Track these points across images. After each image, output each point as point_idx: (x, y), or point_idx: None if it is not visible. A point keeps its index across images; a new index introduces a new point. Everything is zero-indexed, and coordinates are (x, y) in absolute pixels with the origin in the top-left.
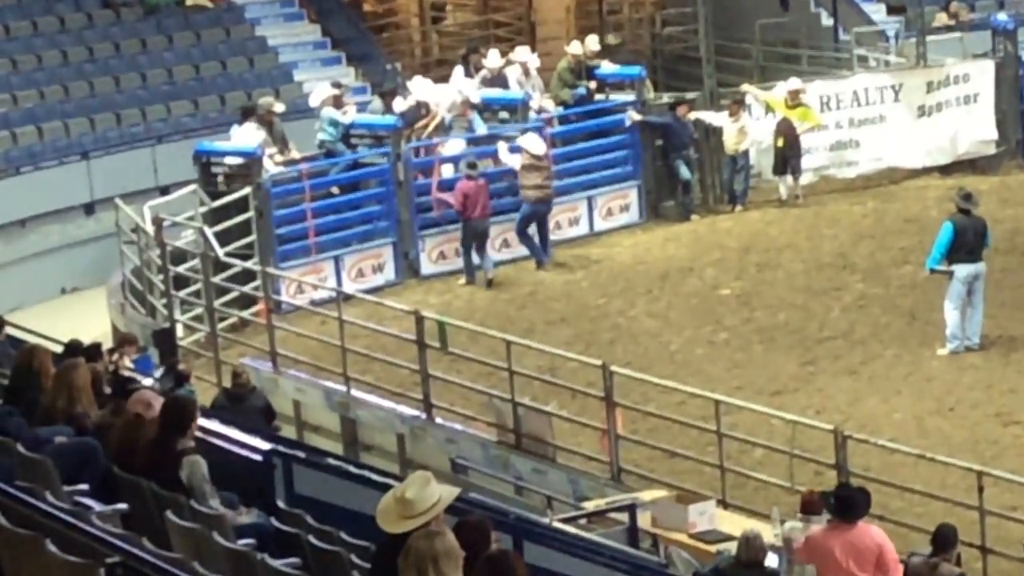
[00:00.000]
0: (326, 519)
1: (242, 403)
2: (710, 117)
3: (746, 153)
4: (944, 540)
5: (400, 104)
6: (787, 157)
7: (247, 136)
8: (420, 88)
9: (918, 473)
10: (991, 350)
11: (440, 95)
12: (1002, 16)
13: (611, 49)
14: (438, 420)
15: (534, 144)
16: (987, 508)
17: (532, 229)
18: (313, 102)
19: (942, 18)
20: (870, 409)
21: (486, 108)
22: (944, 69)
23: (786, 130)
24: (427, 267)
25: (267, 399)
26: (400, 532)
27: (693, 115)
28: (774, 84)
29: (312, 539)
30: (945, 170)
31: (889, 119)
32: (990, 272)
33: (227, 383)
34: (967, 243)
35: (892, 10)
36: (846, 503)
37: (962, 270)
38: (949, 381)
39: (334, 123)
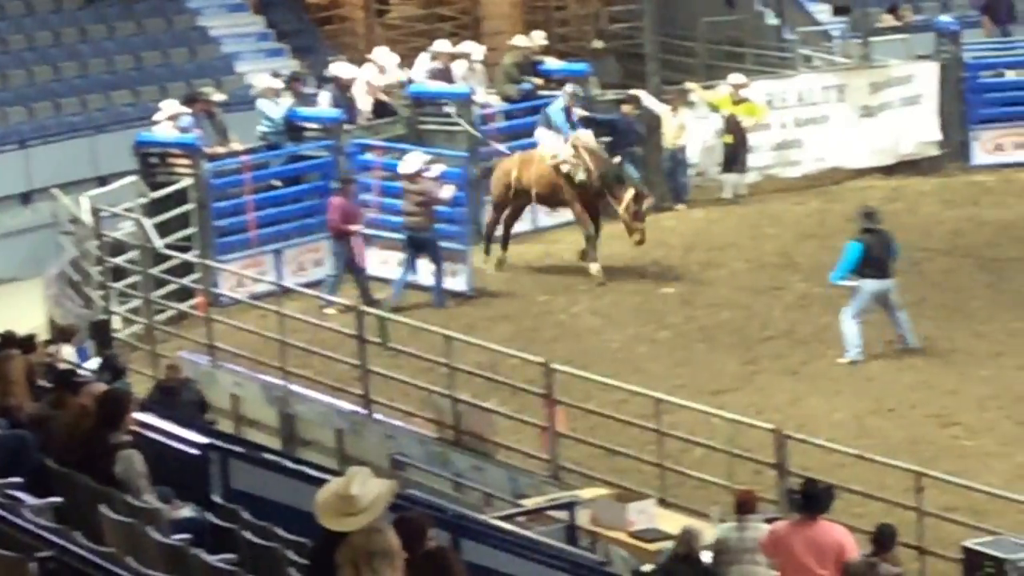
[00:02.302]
0: (263, 514)
1: (176, 396)
2: (653, 104)
3: (684, 149)
4: (883, 540)
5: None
6: (735, 154)
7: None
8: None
9: (857, 473)
10: (931, 351)
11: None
12: (946, 18)
13: (597, 54)
14: (377, 416)
15: (405, 164)
16: (925, 509)
17: (421, 262)
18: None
19: (887, 19)
20: (810, 409)
21: (431, 102)
22: (888, 70)
23: (734, 127)
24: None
25: (201, 393)
26: (343, 530)
27: (636, 92)
28: (719, 82)
29: (248, 535)
30: (888, 171)
31: (833, 119)
32: (931, 273)
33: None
34: (875, 260)
35: (837, 10)
36: (810, 499)
37: (872, 286)
38: (889, 382)
39: (271, 116)
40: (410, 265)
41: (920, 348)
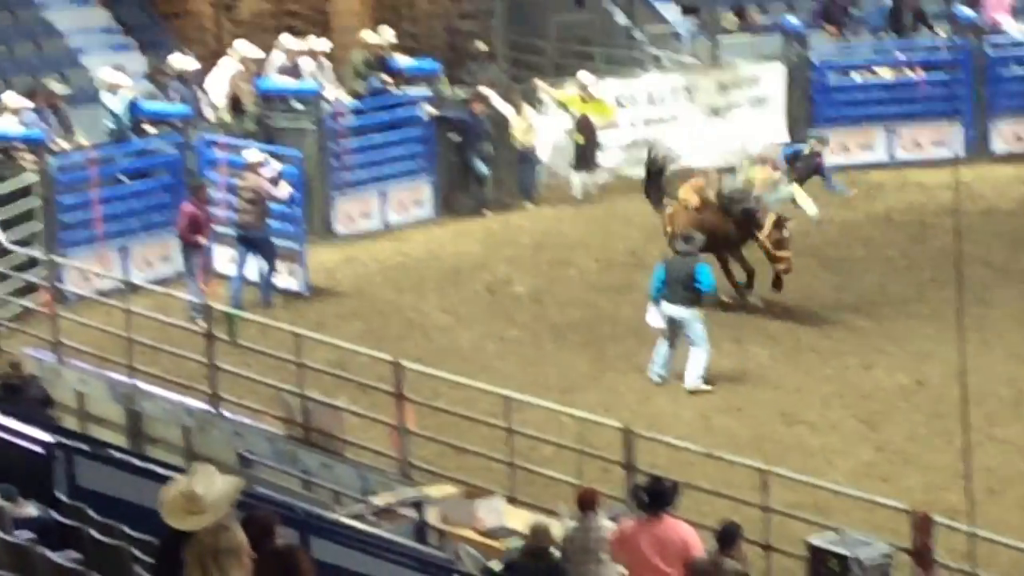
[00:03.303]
0: (109, 512)
1: (20, 394)
2: (500, 104)
3: (535, 148)
4: (728, 537)
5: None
6: (586, 153)
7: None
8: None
9: (704, 471)
10: (777, 350)
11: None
12: (793, 20)
13: (479, 56)
14: (225, 413)
15: (249, 154)
16: (771, 506)
17: (251, 262)
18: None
19: (734, 20)
20: (658, 407)
21: (279, 98)
22: (735, 71)
23: (585, 126)
24: (216, 263)
25: (46, 390)
26: (188, 529)
27: (484, 90)
28: (568, 81)
29: (94, 532)
30: (734, 170)
31: (681, 119)
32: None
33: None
34: (670, 284)
35: (686, 11)
36: (654, 497)
37: (664, 308)
38: (736, 380)
39: (113, 110)
40: (242, 262)
41: (708, 388)
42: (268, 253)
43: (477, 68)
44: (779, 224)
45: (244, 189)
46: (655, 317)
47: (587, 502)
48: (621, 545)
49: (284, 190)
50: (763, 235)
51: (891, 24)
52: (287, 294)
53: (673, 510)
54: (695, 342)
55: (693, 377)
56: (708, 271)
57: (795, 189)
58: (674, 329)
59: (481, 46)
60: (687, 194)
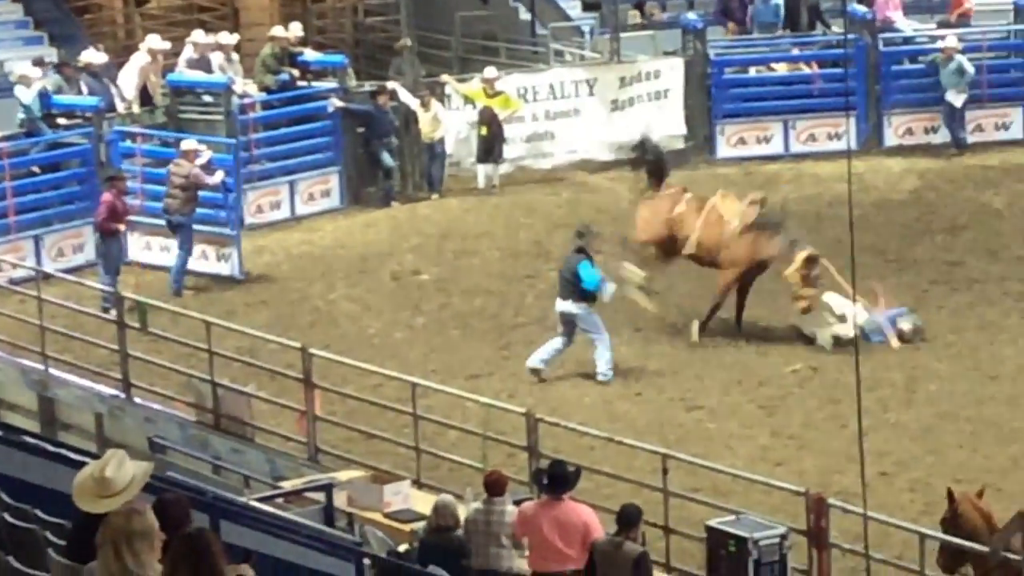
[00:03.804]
0: (22, 497)
1: None
2: (406, 97)
3: (442, 141)
4: (628, 519)
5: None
6: (490, 145)
7: None
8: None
9: (606, 455)
10: (676, 337)
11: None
12: (691, 15)
13: (399, 51)
14: (137, 400)
15: (185, 143)
16: (670, 489)
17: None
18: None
19: (635, 16)
20: (561, 393)
21: (189, 92)
22: (636, 65)
23: (490, 119)
24: (133, 252)
25: None
26: (99, 512)
27: (388, 85)
28: (473, 76)
29: (7, 516)
30: (636, 163)
31: (583, 113)
32: (677, 263)
33: None
34: (560, 280)
35: (587, 7)
36: (554, 480)
37: (557, 304)
38: (637, 367)
39: (25, 102)
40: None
41: (607, 380)
42: (186, 241)
43: (400, 63)
44: (811, 261)
45: (176, 176)
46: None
47: (494, 486)
48: (523, 527)
49: (216, 177)
50: (792, 269)
51: (788, 21)
52: (220, 279)
53: (574, 493)
54: (592, 336)
55: (603, 369)
56: (589, 267)
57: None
58: (566, 324)
59: (402, 42)
60: (731, 214)
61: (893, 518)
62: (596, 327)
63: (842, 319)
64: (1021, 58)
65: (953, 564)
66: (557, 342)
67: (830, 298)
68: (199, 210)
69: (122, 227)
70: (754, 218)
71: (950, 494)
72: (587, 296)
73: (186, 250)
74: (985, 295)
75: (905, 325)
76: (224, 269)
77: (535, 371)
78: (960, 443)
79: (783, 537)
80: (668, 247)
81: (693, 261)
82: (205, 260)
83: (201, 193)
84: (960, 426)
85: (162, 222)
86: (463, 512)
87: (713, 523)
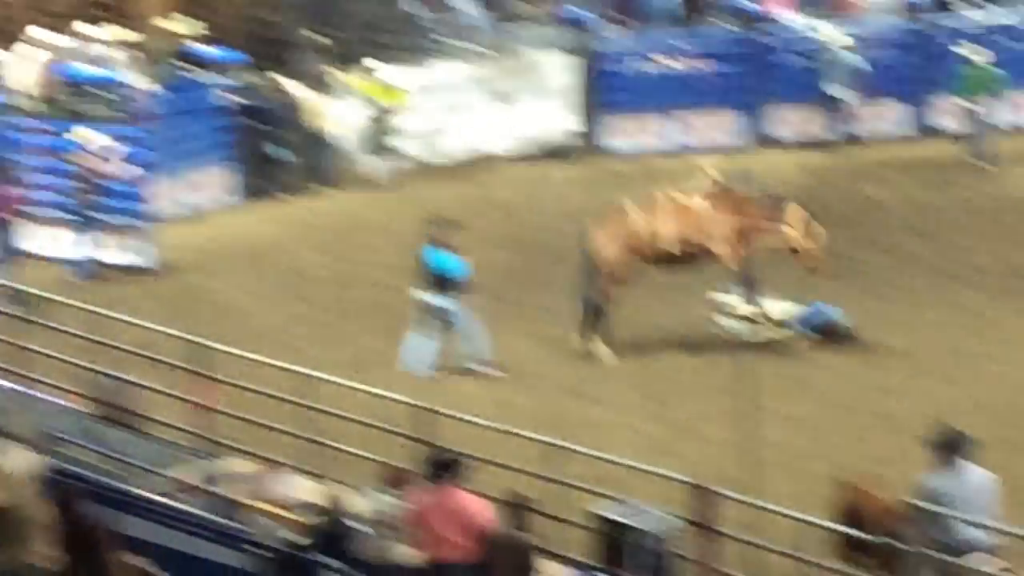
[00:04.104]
0: None
1: None
2: (297, 90)
3: (334, 134)
4: (516, 509)
5: None
6: (382, 139)
7: None
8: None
9: (496, 445)
10: (566, 325)
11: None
12: (580, 10)
13: (307, 46)
14: (31, 392)
15: (82, 135)
16: (559, 479)
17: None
18: None
19: (525, 10)
20: (453, 384)
21: (81, 85)
22: (526, 59)
23: (381, 112)
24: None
25: None
26: None
27: (279, 79)
28: (363, 69)
29: None
30: (528, 157)
31: (474, 107)
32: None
33: None
34: (423, 272)
35: (478, 1)
36: (443, 469)
37: (422, 296)
38: (526, 357)
39: None
40: (87, 240)
41: (490, 372)
42: (86, 230)
43: (302, 58)
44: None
45: (79, 166)
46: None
47: (397, 480)
48: (412, 517)
49: (116, 168)
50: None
51: (677, 15)
52: (131, 270)
53: (463, 483)
54: (458, 329)
55: (473, 360)
56: (447, 257)
57: None
58: (436, 318)
59: (312, 36)
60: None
61: (781, 507)
62: (461, 321)
63: (746, 318)
64: (907, 53)
65: (851, 554)
66: (436, 338)
67: (729, 299)
68: (101, 200)
69: (9, 217)
70: (712, 185)
71: (845, 483)
72: (452, 286)
73: (91, 239)
74: (872, 288)
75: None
76: (127, 260)
77: (421, 370)
78: (848, 433)
79: (671, 526)
80: (643, 258)
81: (678, 263)
82: (108, 251)
83: (104, 184)
84: (849, 417)
85: (56, 213)
86: (360, 503)
87: (600, 512)
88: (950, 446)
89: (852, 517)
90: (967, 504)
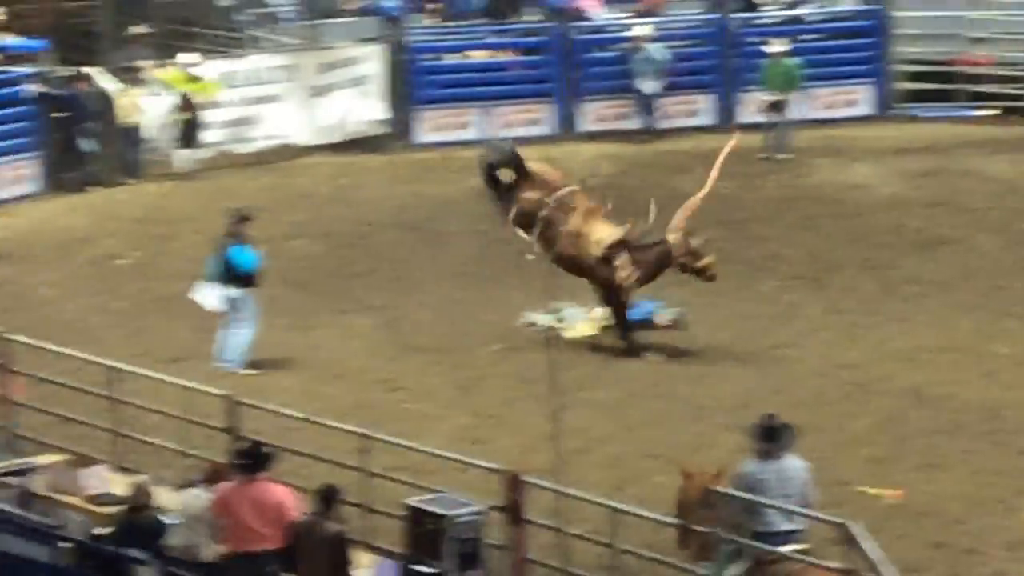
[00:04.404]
0: None
1: None
2: (106, 82)
3: (141, 126)
4: (327, 498)
5: None
6: (190, 130)
7: None
8: None
9: (307, 436)
10: (378, 320)
11: None
12: (390, 3)
13: (135, 38)
14: None
15: None
16: (370, 469)
17: None
18: None
19: (337, 2)
20: (262, 376)
21: None
22: (336, 52)
23: (188, 104)
24: None
25: None
26: None
27: (88, 70)
28: (172, 61)
29: None
30: (336, 148)
31: (284, 98)
32: (378, 246)
33: None
34: (219, 265)
35: None
36: (249, 460)
37: (217, 290)
38: (337, 349)
39: None
40: None
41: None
42: None
43: (112, 49)
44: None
45: None
46: (206, 297)
47: (216, 475)
48: (219, 509)
49: None
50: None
51: (487, 8)
52: None
53: (273, 474)
54: (238, 320)
55: (232, 355)
56: (242, 251)
57: None
58: (232, 310)
59: (136, 29)
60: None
61: (587, 494)
62: (247, 313)
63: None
64: (711, 46)
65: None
66: (240, 330)
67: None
68: None
69: None
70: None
71: (686, 472)
72: (244, 281)
73: None
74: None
75: (665, 317)
76: None
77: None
78: (652, 420)
79: (480, 514)
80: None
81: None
82: None
83: None
84: (652, 403)
85: None
86: (168, 496)
87: (412, 501)
88: (770, 435)
89: (683, 506)
90: (783, 492)
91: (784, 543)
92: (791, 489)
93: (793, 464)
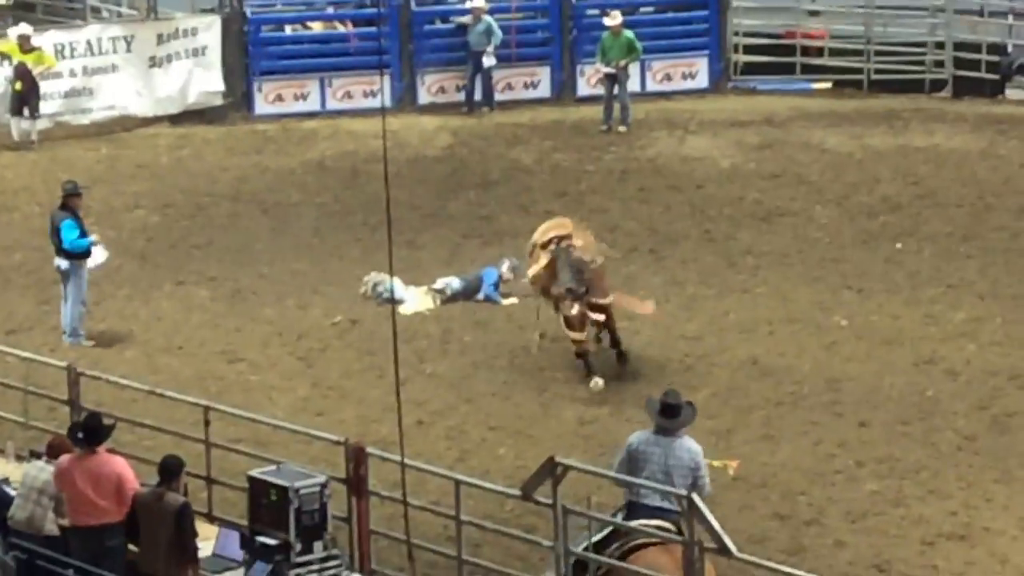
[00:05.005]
0: None
1: None
2: None
3: None
4: (169, 470)
5: None
6: (25, 100)
7: None
8: None
9: (149, 408)
10: (218, 292)
11: None
12: None
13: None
14: None
15: None
16: (212, 441)
17: None
18: None
19: None
20: (103, 348)
21: None
22: (174, 23)
23: (23, 74)
24: None
25: None
26: None
27: None
28: (7, 31)
29: None
30: (175, 119)
31: (122, 69)
32: (217, 218)
33: None
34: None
35: None
36: (88, 432)
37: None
38: (178, 320)
39: None
40: None
41: (86, 343)
42: None
43: None
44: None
45: None
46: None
47: (57, 449)
48: (59, 481)
49: None
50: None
51: None
52: None
53: (115, 446)
54: (68, 293)
55: (67, 329)
56: (72, 226)
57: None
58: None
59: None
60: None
61: (430, 465)
62: (77, 288)
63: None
64: (548, 19)
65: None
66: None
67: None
68: None
69: None
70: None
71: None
72: (73, 254)
73: None
74: (515, 248)
75: (507, 272)
76: None
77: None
78: (493, 391)
79: (323, 486)
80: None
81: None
82: None
83: None
84: (494, 375)
85: None
86: (10, 468)
87: (254, 473)
88: (667, 411)
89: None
90: (665, 469)
91: (651, 518)
92: (677, 469)
93: (687, 446)
